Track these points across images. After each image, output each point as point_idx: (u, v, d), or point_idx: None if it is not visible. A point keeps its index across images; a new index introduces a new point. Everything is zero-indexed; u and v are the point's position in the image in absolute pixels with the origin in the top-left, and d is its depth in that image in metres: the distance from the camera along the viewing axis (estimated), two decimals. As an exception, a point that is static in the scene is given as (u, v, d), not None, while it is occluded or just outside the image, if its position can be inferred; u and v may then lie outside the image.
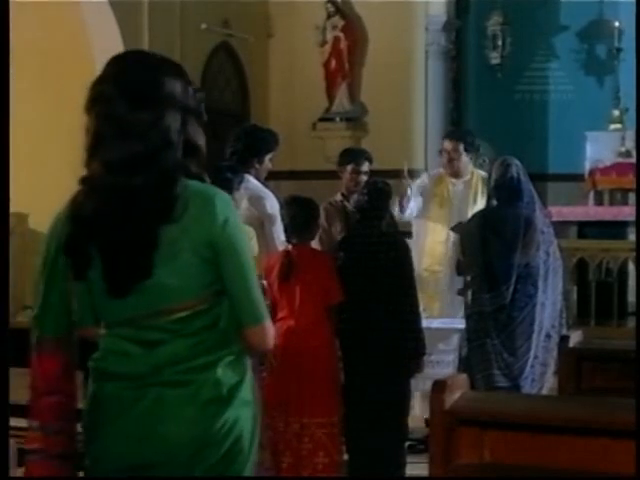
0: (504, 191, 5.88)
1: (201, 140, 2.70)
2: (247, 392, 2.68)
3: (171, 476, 2.59)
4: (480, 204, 6.98)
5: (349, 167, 7.01)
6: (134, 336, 2.61)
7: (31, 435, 2.66)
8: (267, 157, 6.11)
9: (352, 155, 7.21)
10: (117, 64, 2.66)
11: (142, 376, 2.59)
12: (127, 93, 2.57)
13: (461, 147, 7.14)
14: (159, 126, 2.57)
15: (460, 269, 6.22)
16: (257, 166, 6.05)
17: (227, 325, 2.66)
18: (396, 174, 12.10)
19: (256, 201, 5.70)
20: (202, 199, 2.59)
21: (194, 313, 2.61)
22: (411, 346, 5.49)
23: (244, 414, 2.66)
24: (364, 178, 6.93)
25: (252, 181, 5.93)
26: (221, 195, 2.65)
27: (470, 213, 6.86)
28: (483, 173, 7.39)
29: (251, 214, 5.69)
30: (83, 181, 2.62)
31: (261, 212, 5.72)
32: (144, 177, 2.54)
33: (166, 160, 2.57)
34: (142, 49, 2.75)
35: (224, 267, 2.62)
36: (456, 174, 7.18)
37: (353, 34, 12.75)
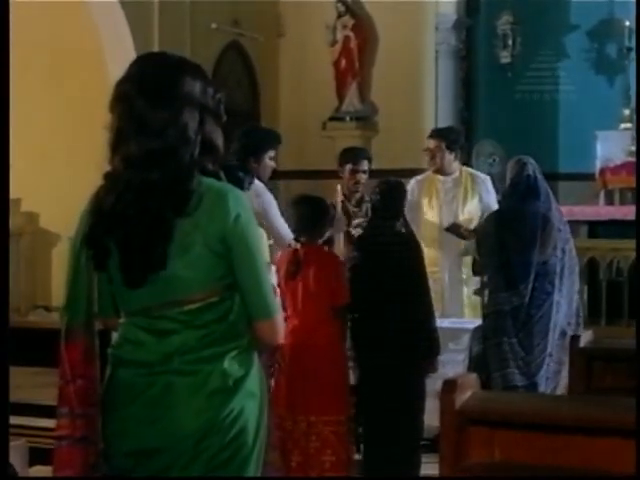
0: (521, 189, 5.89)
1: (218, 139, 2.79)
2: (253, 384, 2.75)
3: (176, 462, 2.67)
4: (471, 202, 7.01)
5: (347, 167, 7.02)
6: (148, 325, 2.72)
7: (60, 422, 2.76)
8: (265, 156, 6.12)
9: (350, 154, 7.24)
10: (138, 65, 2.78)
11: (153, 364, 2.70)
12: (147, 92, 2.68)
13: (443, 145, 7.17)
14: (177, 124, 2.67)
15: (476, 269, 6.22)
16: (254, 165, 6.07)
17: (237, 318, 2.74)
18: (406, 173, 12.14)
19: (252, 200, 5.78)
20: (215, 195, 2.69)
21: (205, 305, 2.70)
22: (425, 345, 5.49)
23: (249, 405, 2.73)
24: (363, 177, 6.97)
25: (254, 181, 5.97)
26: (234, 192, 2.74)
27: (461, 211, 6.89)
28: (472, 171, 7.41)
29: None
30: (105, 176, 2.74)
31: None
32: (161, 172, 2.65)
33: (182, 156, 2.67)
34: (164, 51, 2.83)
35: (235, 262, 2.71)
36: (440, 171, 7.21)
37: (363, 33, 12.75)
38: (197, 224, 2.65)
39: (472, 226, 6.80)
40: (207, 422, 2.67)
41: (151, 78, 2.71)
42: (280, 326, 2.82)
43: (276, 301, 2.84)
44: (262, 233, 5.39)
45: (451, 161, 7.20)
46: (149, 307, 2.71)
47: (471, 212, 6.99)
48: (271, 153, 6.19)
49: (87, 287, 2.77)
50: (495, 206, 6.78)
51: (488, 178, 7.18)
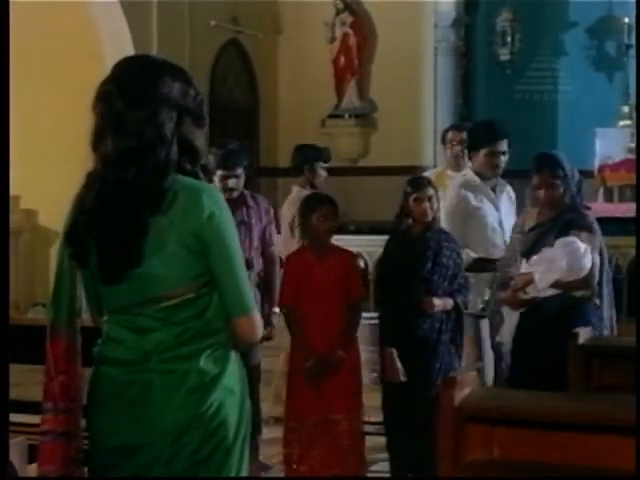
0: None
1: (198, 140, 2.84)
2: (231, 381, 2.79)
3: (159, 458, 2.73)
4: None
5: (317, 164, 7.06)
6: (128, 323, 2.77)
7: (44, 417, 2.83)
8: (481, 152, 6.11)
9: (317, 152, 7.24)
10: (119, 66, 2.85)
11: (133, 362, 2.76)
12: (125, 92, 2.75)
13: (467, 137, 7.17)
14: (152, 124, 2.73)
15: None
16: (473, 160, 6.18)
17: (213, 315, 2.78)
18: (404, 171, 12.11)
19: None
20: (190, 193, 2.73)
21: (181, 302, 2.74)
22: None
23: (229, 401, 2.77)
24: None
25: (469, 174, 6.16)
26: (210, 191, 2.79)
27: None
28: None
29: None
30: (87, 175, 2.80)
31: None
32: (136, 171, 2.70)
33: (158, 155, 2.72)
34: (147, 53, 2.89)
35: (211, 259, 2.75)
36: (459, 166, 7.18)
37: (362, 31, 12.76)
38: (172, 222, 2.69)
39: None
40: (186, 419, 2.72)
41: (130, 78, 2.77)
42: (257, 323, 2.84)
43: (253, 298, 2.85)
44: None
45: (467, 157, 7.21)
46: (128, 305, 2.76)
47: None
48: (487, 149, 6.11)
49: (70, 285, 2.84)
50: None
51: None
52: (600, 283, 5.41)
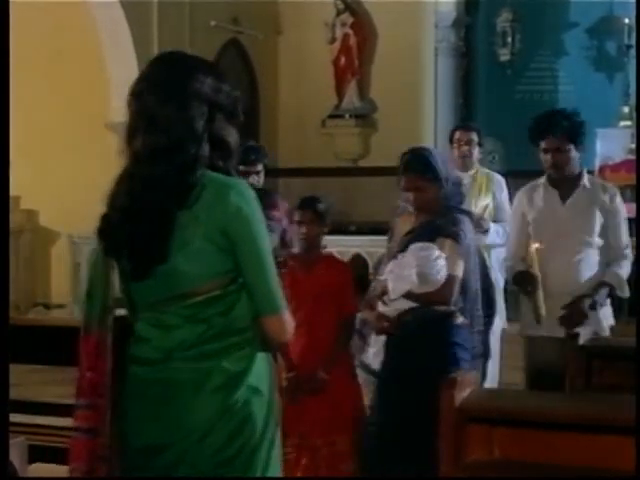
0: None
1: (230, 136, 2.85)
2: (256, 380, 2.75)
3: (184, 458, 2.70)
4: (484, 199, 6.97)
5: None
6: (155, 321, 2.76)
7: (75, 413, 2.81)
8: (542, 144, 5.75)
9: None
10: (152, 64, 2.86)
11: (158, 361, 2.74)
12: (156, 89, 2.76)
13: (475, 137, 7.13)
14: (183, 120, 2.72)
15: None
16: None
17: (239, 313, 2.74)
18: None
19: None
20: (217, 188, 2.71)
21: (207, 299, 2.71)
22: None
23: (254, 400, 2.73)
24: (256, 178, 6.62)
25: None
26: (239, 186, 2.75)
27: (474, 207, 6.82)
28: (488, 170, 7.36)
29: None
30: (122, 171, 2.80)
31: None
32: (165, 166, 2.70)
33: (187, 151, 2.71)
34: (180, 50, 2.90)
35: (239, 256, 2.72)
36: (466, 166, 7.13)
37: (362, 31, 12.76)
38: (196, 217, 2.68)
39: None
40: (211, 417, 2.69)
41: (162, 75, 2.78)
42: (287, 322, 2.79)
43: (283, 297, 2.79)
44: None
45: (477, 156, 7.17)
46: (155, 302, 2.74)
47: (483, 208, 6.95)
48: (542, 144, 5.74)
49: (103, 281, 2.81)
50: (507, 205, 6.73)
51: (503, 179, 7.14)
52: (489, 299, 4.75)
